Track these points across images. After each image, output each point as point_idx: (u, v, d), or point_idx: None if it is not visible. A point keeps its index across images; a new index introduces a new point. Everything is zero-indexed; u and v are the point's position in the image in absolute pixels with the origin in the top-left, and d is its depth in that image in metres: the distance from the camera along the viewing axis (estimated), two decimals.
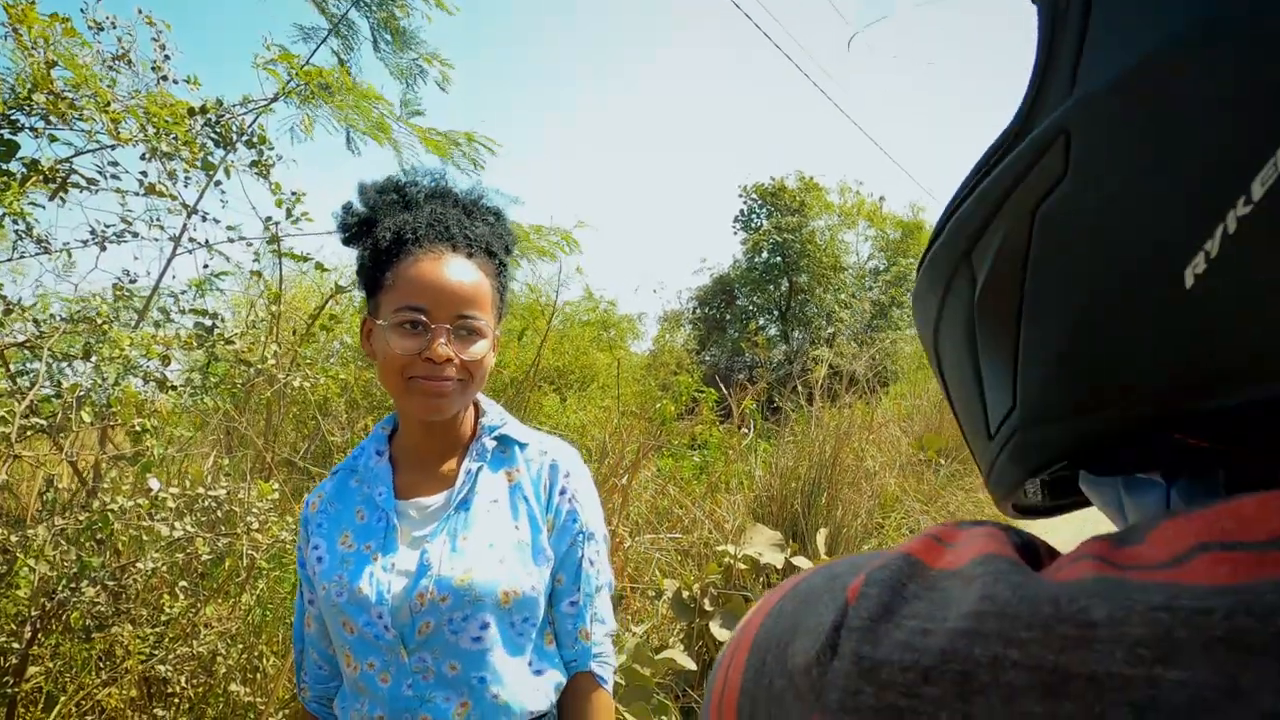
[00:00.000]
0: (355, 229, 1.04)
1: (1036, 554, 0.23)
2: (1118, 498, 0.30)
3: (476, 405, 1.12)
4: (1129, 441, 0.26)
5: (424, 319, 0.95)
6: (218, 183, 2.37)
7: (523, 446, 1.09)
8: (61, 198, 2.12)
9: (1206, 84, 0.20)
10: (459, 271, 0.98)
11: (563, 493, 1.07)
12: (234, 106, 2.41)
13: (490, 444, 1.07)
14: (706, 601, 3.15)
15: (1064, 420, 0.26)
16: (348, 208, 1.06)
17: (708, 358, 14.42)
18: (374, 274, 1.00)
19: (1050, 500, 0.35)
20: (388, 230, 0.99)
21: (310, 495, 1.08)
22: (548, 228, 4.60)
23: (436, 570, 0.96)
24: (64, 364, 2.17)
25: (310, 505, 1.07)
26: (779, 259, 15.25)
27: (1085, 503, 0.35)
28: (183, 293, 2.52)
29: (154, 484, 2.07)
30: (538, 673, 1.02)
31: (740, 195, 16.46)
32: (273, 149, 2.42)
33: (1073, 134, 0.24)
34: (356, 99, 2.88)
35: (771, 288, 15.57)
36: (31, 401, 1.95)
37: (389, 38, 3.42)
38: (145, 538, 2.04)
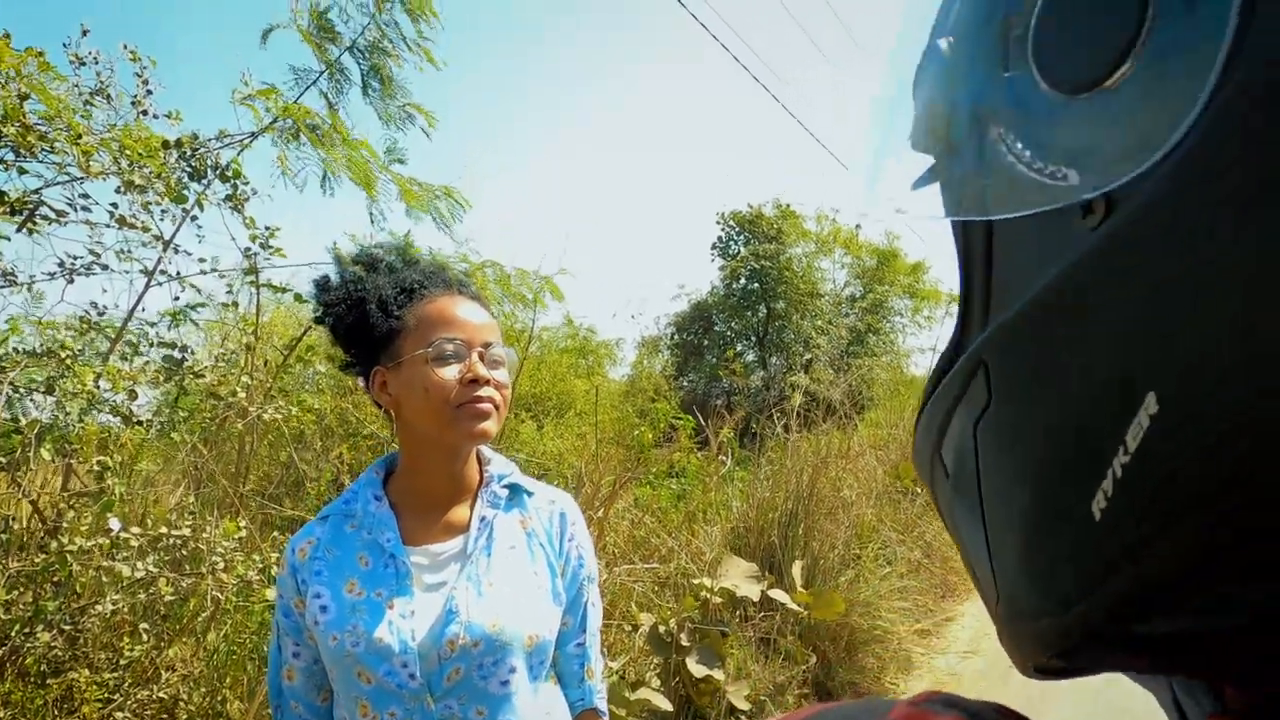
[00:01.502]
0: (341, 302, 1.07)
1: None
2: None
3: (479, 453, 1.13)
4: (1099, 648, 0.26)
5: (458, 346, 1.01)
6: (194, 217, 2.35)
7: (530, 494, 1.14)
8: (30, 229, 2.09)
9: (1071, 336, 0.22)
10: (473, 307, 1.06)
11: (571, 539, 1.12)
12: (210, 141, 2.40)
13: (502, 492, 1.10)
14: (683, 636, 3.12)
15: (1036, 620, 0.26)
16: (324, 287, 1.09)
17: (685, 383, 14.43)
18: (383, 322, 1.02)
19: (1071, 664, 0.35)
20: (386, 289, 1.04)
21: (295, 541, 1.03)
22: (531, 274, 4.64)
23: (466, 616, 0.97)
24: (25, 397, 2.12)
25: (298, 552, 1.02)
26: (756, 285, 15.35)
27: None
28: (154, 324, 2.48)
29: (114, 524, 2.02)
30: (547, 713, 1.06)
31: (718, 222, 16.59)
32: (248, 183, 2.41)
33: (990, 366, 0.26)
34: (347, 148, 2.90)
35: (749, 314, 15.65)
36: None
37: (378, 85, 3.47)
38: (105, 579, 1.99)
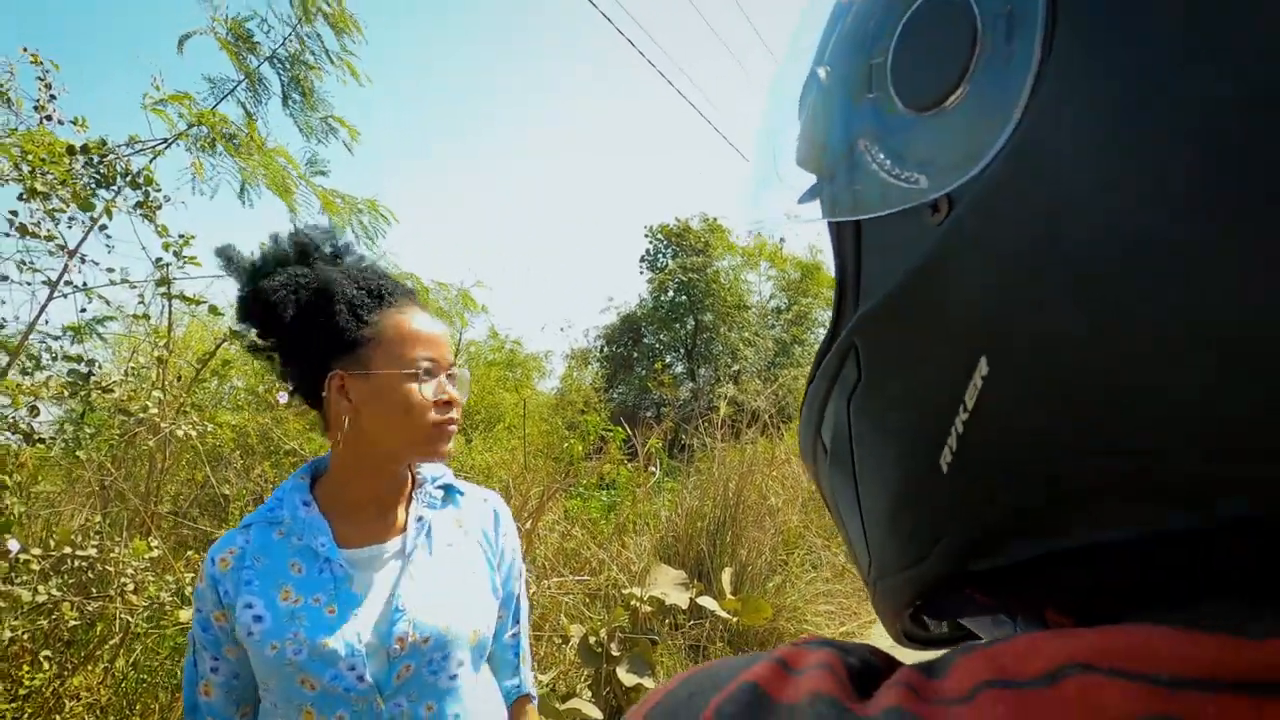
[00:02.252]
0: (291, 289, 1.03)
1: (872, 673, 0.26)
2: (989, 632, 0.34)
3: None
4: (948, 593, 0.31)
5: (435, 366, 1.03)
6: (103, 227, 2.26)
7: (462, 494, 1.16)
8: None
9: (923, 315, 0.27)
10: (438, 324, 1.08)
11: (505, 535, 1.16)
12: (120, 147, 2.31)
13: (437, 493, 1.12)
14: (614, 646, 3.14)
15: (899, 574, 0.31)
16: (254, 270, 1.06)
17: (615, 396, 14.47)
18: (354, 328, 1.01)
19: (952, 631, 0.39)
20: (348, 287, 1.03)
21: (215, 552, 1.00)
22: (451, 286, 4.64)
23: (413, 613, 0.98)
24: None
25: (219, 563, 0.98)
26: (685, 298, 15.55)
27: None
28: (57, 338, 2.37)
29: (13, 545, 1.92)
30: (485, 701, 1.08)
31: (646, 235, 16.77)
32: (159, 190, 2.33)
33: (859, 347, 0.30)
34: (263, 156, 2.84)
35: (678, 326, 15.84)
36: None
37: (299, 96, 3.41)
38: (2, 604, 1.88)
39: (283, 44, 3.32)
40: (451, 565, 1.07)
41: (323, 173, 3.61)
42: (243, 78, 3.31)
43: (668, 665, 3.43)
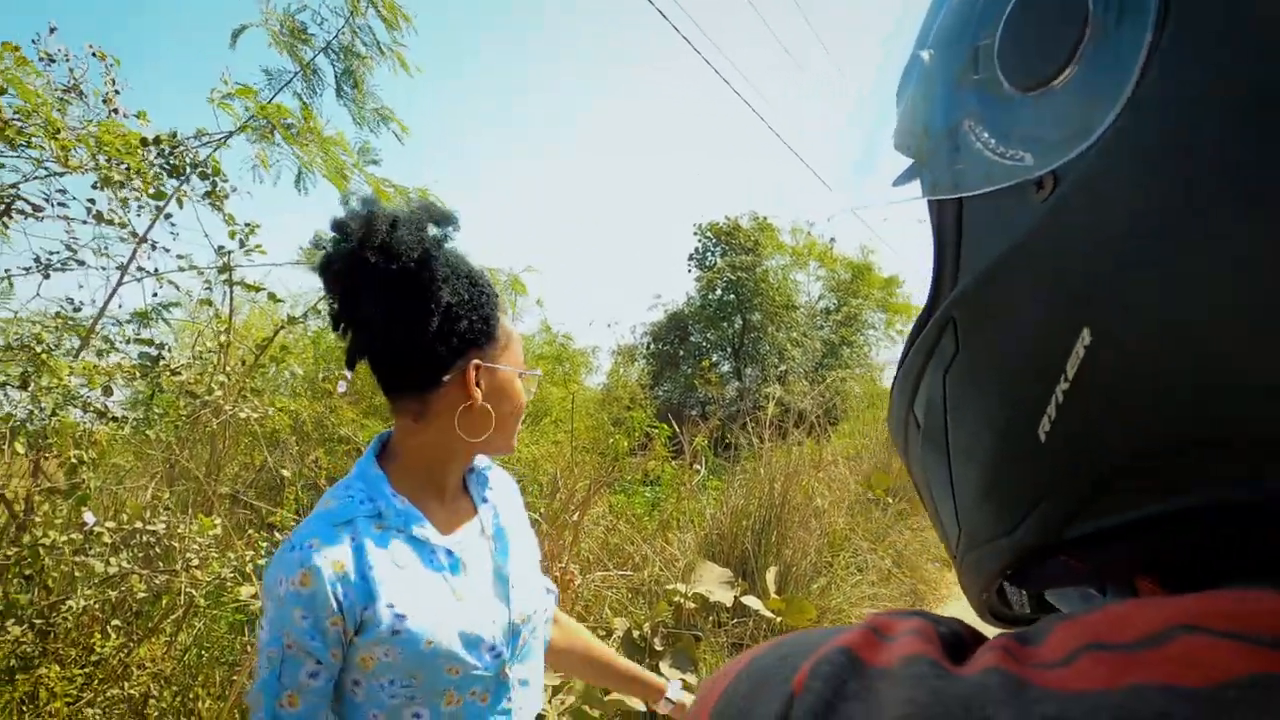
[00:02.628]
0: (449, 278, 1.01)
1: (961, 644, 0.26)
2: (1075, 606, 0.34)
3: None
4: (1041, 562, 0.31)
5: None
6: (168, 216, 2.35)
7: (489, 471, 1.20)
8: (4, 224, 2.08)
9: (1025, 288, 0.28)
10: None
11: (519, 497, 1.24)
12: (188, 139, 2.40)
13: (487, 476, 1.17)
14: (657, 641, 3.14)
15: (991, 543, 0.32)
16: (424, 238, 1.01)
17: (661, 393, 14.46)
18: (489, 325, 1.05)
19: (1035, 611, 0.40)
20: (484, 282, 1.07)
21: (319, 555, 0.91)
22: (501, 271, 4.69)
23: (519, 587, 1.05)
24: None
25: (333, 565, 0.91)
26: (733, 297, 15.47)
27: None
28: (127, 322, 2.47)
29: (89, 518, 2.01)
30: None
31: (695, 233, 16.72)
32: (226, 180, 2.41)
33: (958, 320, 0.31)
34: (321, 143, 2.91)
35: (725, 325, 15.76)
36: None
37: (351, 88, 3.49)
38: (78, 574, 1.98)
39: (336, 35, 3.41)
40: (519, 538, 1.13)
41: (375, 161, 3.68)
42: (298, 69, 3.41)
43: (710, 662, 3.42)
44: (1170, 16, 0.22)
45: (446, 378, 1.00)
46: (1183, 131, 0.22)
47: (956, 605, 5.42)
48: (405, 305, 0.98)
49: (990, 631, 0.31)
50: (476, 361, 1.02)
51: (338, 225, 0.99)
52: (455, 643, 0.95)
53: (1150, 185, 0.22)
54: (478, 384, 1.02)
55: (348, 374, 1.14)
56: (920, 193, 0.34)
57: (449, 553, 1.01)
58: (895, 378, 0.38)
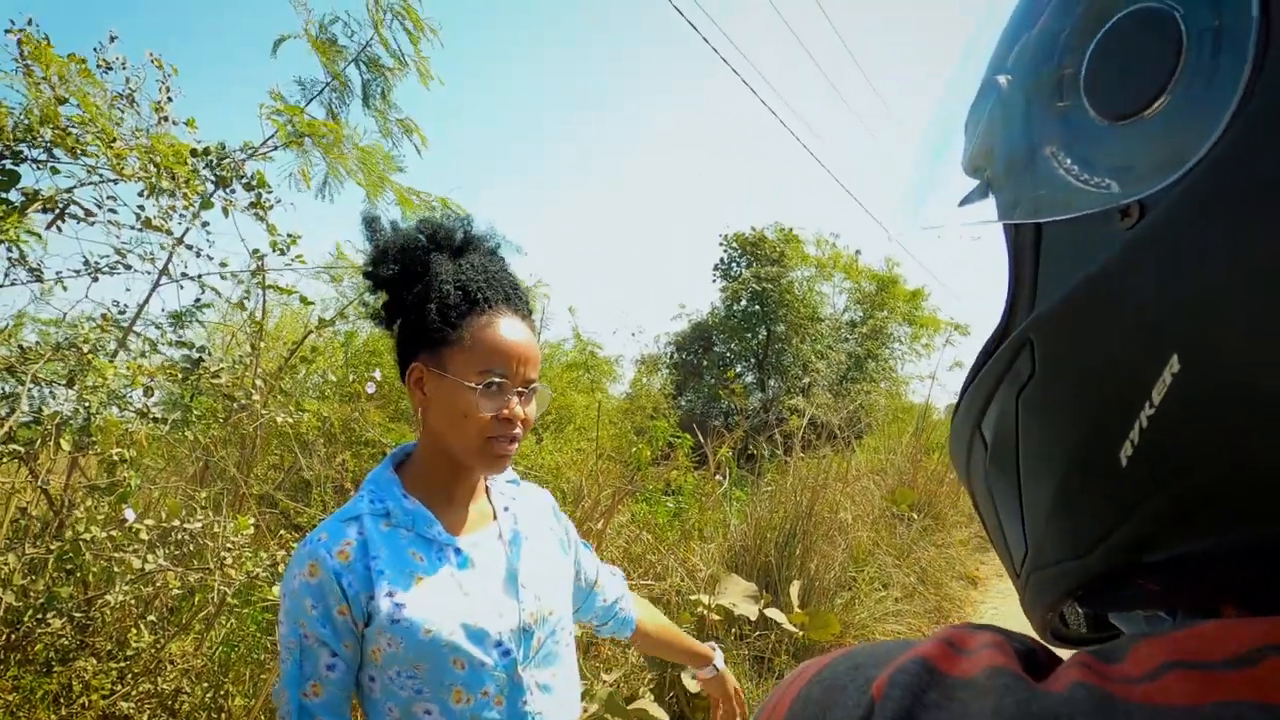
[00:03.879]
0: (390, 274, 1.06)
1: (1036, 661, 0.27)
2: (1141, 629, 0.34)
3: None
4: (1114, 584, 0.31)
5: (504, 383, 1.02)
6: (205, 224, 2.41)
7: (519, 484, 1.22)
8: (58, 227, 2.15)
9: (1109, 314, 0.28)
10: (526, 336, 1.06)
11: (563, 521, 1.26)
12: (234, 151, 2.46)
13: (508, 487, 1.18)
14: None
15: (1060, 565, 0.32)
16: (382, 251, 1.07)
17: (684, 403, 14.44)
18: (440, 327, 1.02)
19: (1092, 632, 0.40)
20: (449, 284, 1.03)
21: (328, 546, 0.97)
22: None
23: (534, 589, 1.07)
24: (45, 389, 2.17)
25: (338, 555, 0.96)
26: (757, 308, 15.41)
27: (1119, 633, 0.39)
28: (160, 327, 2.53)
29: (129, 514, 2.06)
30: (574, 666, 1.18)
31: (721, 244, 16.70)
32: (271, 192, 2.47)
33: (1035, 342, 0.32)
34: (360, 153, 2.98)
35: (749, 336, 15.70)
36: (10, 427, 1.94)
37: (381, 95, 3.57)
38: (116, 569, 2.02)
39: (366, 45, 3.48)
40: (543, 546, 1.14)
41: (399, 169, 3.75)
42: (330, 78, 3.49)
43: (733, 674, 3.41)
44: (1271, 48, 0.23)
45: (405, 379, 1.06)
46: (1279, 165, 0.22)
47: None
48: (389, 309, 1.09)
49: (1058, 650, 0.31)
50: (417, 364, 1.04)
51: (367, 221, 1.11)
52: (458, 634, 0.97)
53: (1244, 219, 0.23)
54: (421, 388, 1.04)
55: (375, 375, 1.17)
56: (993, 215, 0.35)
57: (457, 550, 1.04)
58: (961, 397, 0.38)
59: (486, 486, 1.16)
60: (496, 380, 1.01)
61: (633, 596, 1.41)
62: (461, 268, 1.07)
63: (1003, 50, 0.34)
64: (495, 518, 1.12)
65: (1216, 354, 0.24)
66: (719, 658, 1.48)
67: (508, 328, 1.04)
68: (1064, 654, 0.28)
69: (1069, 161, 0.29)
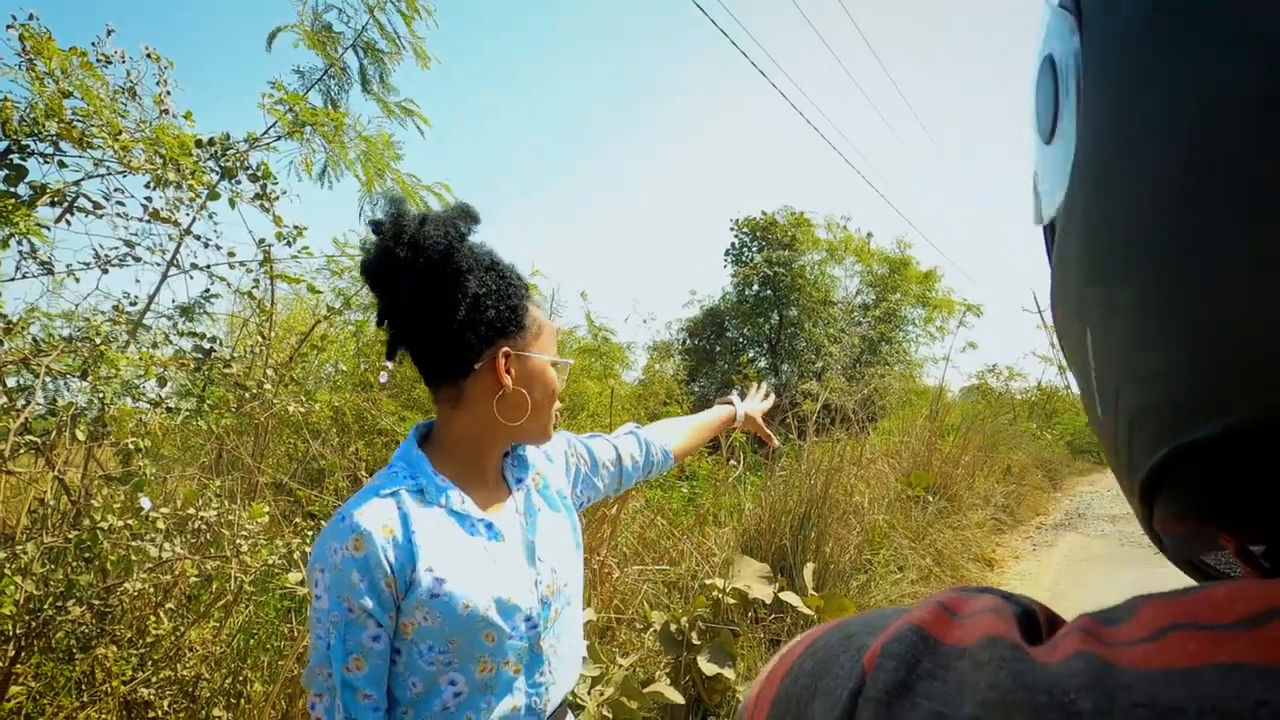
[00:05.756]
0: (474, 270, 1.05)
1: (1036, 624, 0.26)
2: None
3: None
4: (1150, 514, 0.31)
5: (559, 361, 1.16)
6: (211, 214, 2.41)
7: (523, 453, 1.23)
8: (67, 220, 2.16)
9: (1058, 298, 0.32)
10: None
11: (556, 463, 1.27)
12: (238, 142, 2.46)
13: (524, 459, 1.21)
14: (694, 635, 3.15)
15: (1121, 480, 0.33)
16: (458, 233, 1.06)
17: (697, 389, 14.44)
18: (518, 315, 1.09)
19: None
20: (512, 274, 1.10)
21: (370, 521, 0.96)
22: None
23: (551, 561, 1.10)
24: (60, 381, 2.19)
25: (382, 530, 0.96)
26: (769, 292, 15.36)
27: None
28: (170, 317, 2.54)
29: (145, 503, 2.07)
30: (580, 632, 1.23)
31: (731, 229, 16.64)
32: (277, 183, 2.47)
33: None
34: (364, 142, 2.97)
35: (761, 320, 15.66)
36: (25, 419, 1.96)
37: (379, 79, 3.56)
38: (134, 558, 2.04)
39: (363, 30, 3.48)
40: (553, 517, 1.18)
41: (399, 156, 3.75)
42: (328, 66, 3.49)
43: (748, 658, 3.42)
44: (1084, 75, 0.27)
45: (478, 365, 1.05)
46: (1108, 171, 0.26)
47: None
48: (434, 297, 1.03)
49: (1071, 610, 0.30)
50: (506, 349, 1.06)
51: (375, 225, 1.06)
52: (491, 608, 0.99)
53: (1098, 215, 0.27)
54: (508, 371, 1.07)
55: (389, 364, 1.18)
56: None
57: (489, 525, 1.05)
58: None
59: (504, 463, 1.17)
60: (562, 360, 1.15)
61: (649, 430, 1.49)
62: (493, 257, 1.09)
63: None
64: (511, 492, 1.14)
65: (1106, 336, 0.28)
66: (740, 406, 1.66)
67: (542, 313, 1.14)
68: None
69: (1038, 178, 0.34)
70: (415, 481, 1.04)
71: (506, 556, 1.05)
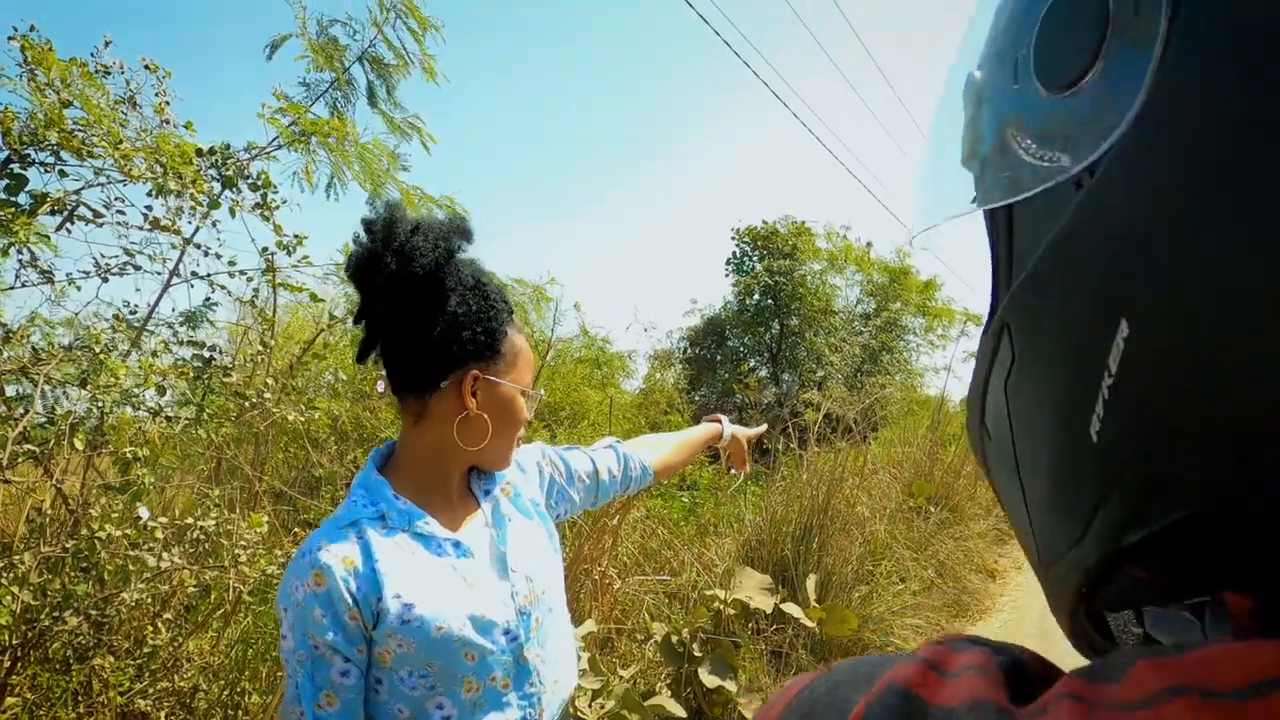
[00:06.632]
0: (457, 290, 1.04)
1: (1026, 676, 0.25)
2: (1176, 635, 0.32)
3: None
4: (1109, 577, 0.29)
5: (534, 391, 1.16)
6: (214, 223, 2.41)
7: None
8: (67, 229, 2.16)
9: (1064, 283, 0.28)
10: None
11: (528, 473, 1.25)
12: (239, 151, 2.46)
13: (492, 473, 1.19)
14: (696, 647, 3.12)
15: (1064, 558, 0.30)
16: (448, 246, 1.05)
17: (698, 398, 14.42)
18: (493, 340, 1.07)
19: (1100, 607, 0.36)
20: (496, 295, 1.09)
21: (330, 556, 0.94)
22: (528, 282, 4.84)
23: (525, 571, 1.08)
24: (59, 390, 2.18)
25: (343, 562, 0.94)
26: (770, 301, 15.37)
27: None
28: (172, 325, 2.54)
29: (143, 513, 2.06)
30: (568, 634, 1.21)
31: (733, 238, 16.66)
32: (277, 192, 2.47)
33: (1010, 325, 0.31)
34: (358, 149, 2.98)
35: (762, 330, 15.65)
36: (24, 427, 1.95)
37: (386, 94, 3.57)
38: (132, 568, 2.03)
39: (370, 44, 3.49)
40: (525, 525, 1.16)
41: (404, 168, 3.75)
42: (334, 79, 3.50)
43: (749, 670, 3.39)
44: (1183, 4, 0.22)
45: (444, 384, 1.04)
46: (1199, 114, 0.22)
47: (1000, 618, 5.30)
48: (412, 310, 1.02)
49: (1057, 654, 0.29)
50: (476, 372, 1.05)
51: (366, 225, 1.04)
52: (466, 627, 0.98)
53: (1167, 180, 0.22)
54: (474, 394, 1.06)
55: (379, 379, 1.16)
56: (968, 205, 0.34)
57: (455, 544, 1.04)
58: (968, 392, 0.37)
59: (469, 477, 1.16)
60: (529, 389, 1.13)
61: (630, 445, 1.47)
62: (479, 278, 1.07)
63: (981, 47, 0.35)
64: (479, 505, 1.13)
65: (1160, 317, 0.23)
66: (727, 427, 1.66)
67: (524, 342, 1.13)
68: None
69: (1027, 141, 0.29)
70: (375, 508, 1.02)
71: (477, 573, 1.03)
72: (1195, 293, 0.22)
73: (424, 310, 1.02)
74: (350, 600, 0.93)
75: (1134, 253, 0.24)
